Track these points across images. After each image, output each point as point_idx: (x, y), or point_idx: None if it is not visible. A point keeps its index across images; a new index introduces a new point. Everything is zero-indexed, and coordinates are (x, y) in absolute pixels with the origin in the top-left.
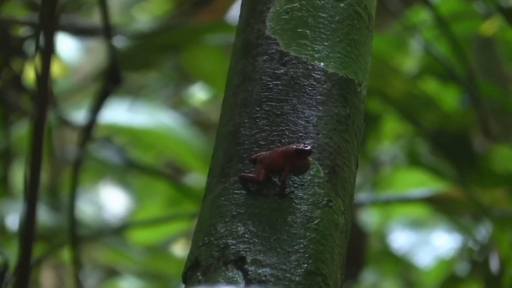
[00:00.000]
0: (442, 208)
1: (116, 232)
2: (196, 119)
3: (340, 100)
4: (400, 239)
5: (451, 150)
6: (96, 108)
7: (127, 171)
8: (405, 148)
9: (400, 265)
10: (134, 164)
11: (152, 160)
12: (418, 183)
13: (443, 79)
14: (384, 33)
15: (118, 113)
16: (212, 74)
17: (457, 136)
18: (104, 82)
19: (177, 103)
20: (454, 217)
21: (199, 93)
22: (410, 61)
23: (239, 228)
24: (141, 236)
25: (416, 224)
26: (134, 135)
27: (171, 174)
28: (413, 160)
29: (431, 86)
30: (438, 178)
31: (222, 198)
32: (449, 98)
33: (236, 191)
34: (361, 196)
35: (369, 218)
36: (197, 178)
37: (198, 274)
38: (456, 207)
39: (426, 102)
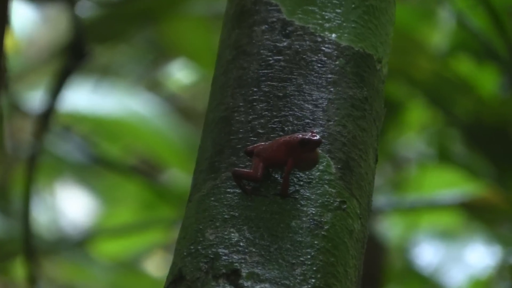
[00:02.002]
0: (477, 215)
1: (77, 243)
2: (177, 105)
3: (356, 80)
4: (427, 254)
5: (489, 144)
6: (55, 91)
7: (91, 169)
8: (434, 142)
9: (427, 285)
10: (100, 159)
11: (122, 155)
12: (449, 185)
13: (479, 58)
14: (408, 1)
15: (81, 97)
16: (197, 49)
17: (496, 128)
18: (65, 58)
19: (153, 85)
20: (492, 227)
21: (179, 73)
22: (439, 35)
23: (232, 234)
24: (107, 248)
25: (446, 236)
26: (99, 124)
27: (145, 171)
28: (443, 157)
29: (464, 66)
30: (473, 179)
31: (212, 198)
32: (487, 81)
33: (228, 190)
34: (380, 200)
35: (389, 227)
36: (177, 177)
37: None
38: (495, 214)
39: (458, 86)
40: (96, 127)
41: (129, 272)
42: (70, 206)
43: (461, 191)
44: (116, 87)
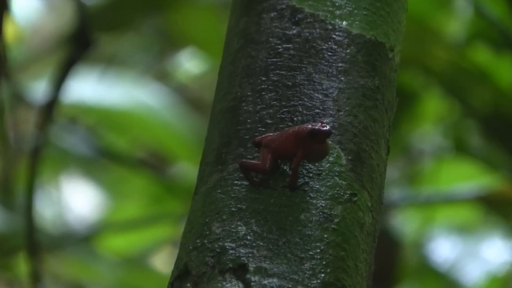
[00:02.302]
0: (495, 209)
1: (83, 238)
2: (186, 96)
3: (367, 69)
4: (443, 250)
5: (507, 136)
6: (59, 81)
7: (97, 162)
8: (450, 134)
9: (443, 282)
10: (106, 152)
11: (129, 148)
12: (466, 178)
13: (498, 48)
14: None
15: (86, 88)
16: (206, 38)
17: None
18: (69, 47)
19: (161, 75)
20: (511, 221)
21: (188, 63)
22: (455, 24)
23: (239, 228)
24: (114, 244)
25: (462, 231)
26: (105, 116)
27: (153, 165)
28: (460, 149)
29: (482, 56)
30: (491, 171)
31: (219, 191)
32: (505, 71)
33: (235, 182)
34: (394, 194)
35: (404, 222)
36: (185, 170)
37: (188, 285)
38: None
39: (476, 76)
40: (102, 118)
41: (136, 268)
42: (75, 200)
43: (479, 185)
44: (123, 78)
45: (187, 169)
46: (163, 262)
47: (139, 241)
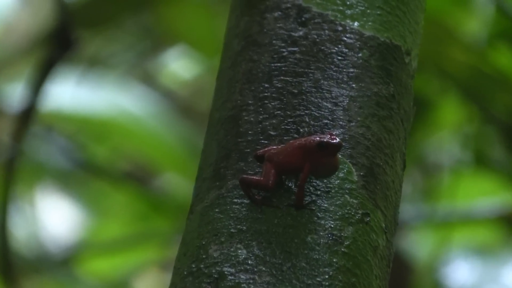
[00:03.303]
0: None
1: (61, 260)
2: (175, 102)
3: (381, 75)
4: (461, 274)
5: None
6: (37, 85)
7: (76, 175)
8: (469, 145)
9: None
10: (86, 164)
11: (112, 159)
12: (486, 194)
13: None
14: None
15: (66, 92)
16: (198, 37)
17: None
18: (48, 47)
19: (147, 78)
20: None
21: (178, 65)
22: (475, 23)
23: (239, 251)
24: (95, 266)
25: (482, 253)
26: (86, 124)
27: (138, 178)
28: (480, 162)
29: (504, 58)
30: None
31: (216, 210)
32: None
33: (235, 200)
34: (407, 211)
35: (417, 243)
36: (173, 183)
37: None
38: None
39: (497, 81)
40: (82, 127)
41: None
42: (52, 217)
43: (501, 202)
44: (106, 81)
45: (175, 182)
46: (148, 285)
47: (123, 263)
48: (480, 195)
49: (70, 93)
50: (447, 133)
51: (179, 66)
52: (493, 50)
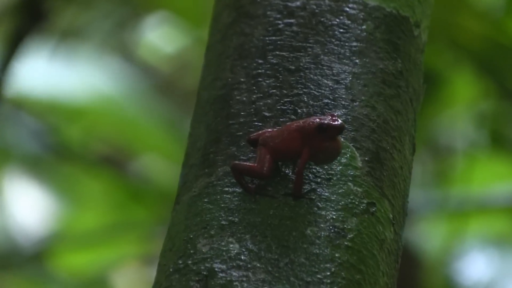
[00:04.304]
0: None
1: (32, 255)
2: (159, 79)
3: (388, 49)
4: (477, 268)
5: None
6: (5, 60)
7: (48, 160)
8: (485, 124)
9: None
10: (59, 148)
11: (86, 142)
12: (504, 180)
13: None
14: None
15: (37, 68)
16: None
17: None
18: (18, 18)
19: (124, 51)
20: None
21: (160, 36)
22: None
23: (231, 245)
24: (71, 261)
25: (500, 244)
26: (58, 104)
27: (115, 161)
28: (497, 143)
29: None
30: None
31: (205, 200)
32: None
33: (226, 189)
34: (416, 199)
35: (427, 234)
36: (158, 169)
37: None
38: None
39: None
40: (53, 107)
41: None
42: (22, 207)
43: None
44: (80, 54)
45: (156, 168)
46: (128, 282)
47: (100, 258)
48: (498, 180)
49: (41, 70)
50: (461, 112)
51: (160, 37)
52: (510, 20)
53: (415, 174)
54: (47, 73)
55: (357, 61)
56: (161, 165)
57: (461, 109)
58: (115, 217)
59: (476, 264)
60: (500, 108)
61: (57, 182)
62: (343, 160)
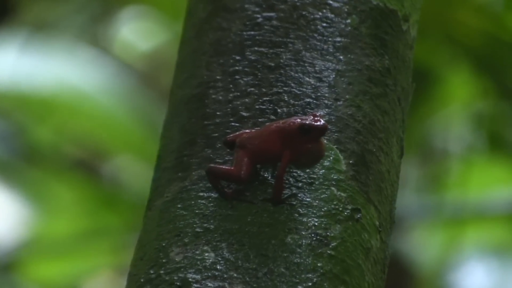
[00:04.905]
0: None
1: (1, 265)
2: (134, 76)
3: (374, 45)
4: (475, 279)
5: None
6: None
7: (15, 163)
8: (482, 125)
9: None
10: (28, 151)
11: (56, 142)
12: (503, 185)
13: None
14: None
15: (5, 62)
16: None
17: None
18: None
19: (99, 44)
20: None
21: (136, 31)
22: None
23: (206, 254)
24: (41, 271)
25: (499, 254)
26: (27, 102)
27: (87, 164)
28: (495, 146)
29: None
30: None
31: (179, 206)
32: None
33: (201, 194)
34: (407, 206)
35: (420, 244)
36: (132, 172)
37: None
38: None
39: None
40: (22, 105)
41: None
42: None
43: None
44: (51, 49)
45: (131, 171)
46: None
47: (72, 267)
48: (496, 185)
49: (9, 65)
50: (456, 112)
51: (136, 33)
52: (511, 13)
53: (407, 179)
54: (15, 68)
55: (341, 57)
56: (138, 166)
57: (457, 109)
58: (88, 224)
59: (474, 276)
60: (499, 108)
61: (26, 187)
62: (326, 163)
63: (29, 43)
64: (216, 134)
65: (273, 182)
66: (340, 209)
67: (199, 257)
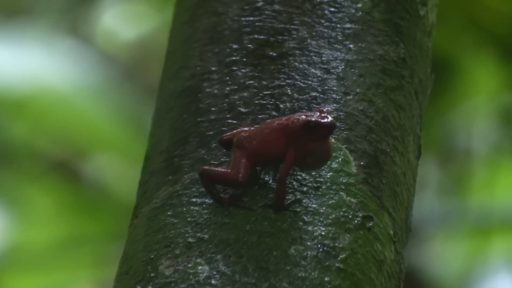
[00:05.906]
0: None
1: None
2: (117, 68)
3: (388, 32)
4: None
5: None
6: None
7: None
8: (509, 120)
9: None
10: (1, 152)
11: (32, 142)
12: None
13: None
14: None
15: None
16: None
17: None
18: None
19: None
20: None
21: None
22: None
23: (199, 267)
24: (17, 285)
25: None
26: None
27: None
28: None
29: None
30: None
31: (169, 213)
32: None
33: (194, 200)
34: (424, 212)
35: (440, 255)
36: (115, 175)
37: None
38: None
39: None
40: None
41: None
42: None
43: None
44: (25, 38)
45: (112, 169)
46: None
47: (49, 280)
48: None
49: None
50: (481, 106)
51: (120, 18)
52: None
53: (426, 182)
54: None
55: (351, 46)
56: (122, 169)
57: (481, 102)
58: (67, 233)
59: None
60: None
61: (1, 192)
62: (334, 165)
63: (3, 30)
64: (211, 132)
65: (274, 186)
66: (350, 216)
67: (191, 271)
